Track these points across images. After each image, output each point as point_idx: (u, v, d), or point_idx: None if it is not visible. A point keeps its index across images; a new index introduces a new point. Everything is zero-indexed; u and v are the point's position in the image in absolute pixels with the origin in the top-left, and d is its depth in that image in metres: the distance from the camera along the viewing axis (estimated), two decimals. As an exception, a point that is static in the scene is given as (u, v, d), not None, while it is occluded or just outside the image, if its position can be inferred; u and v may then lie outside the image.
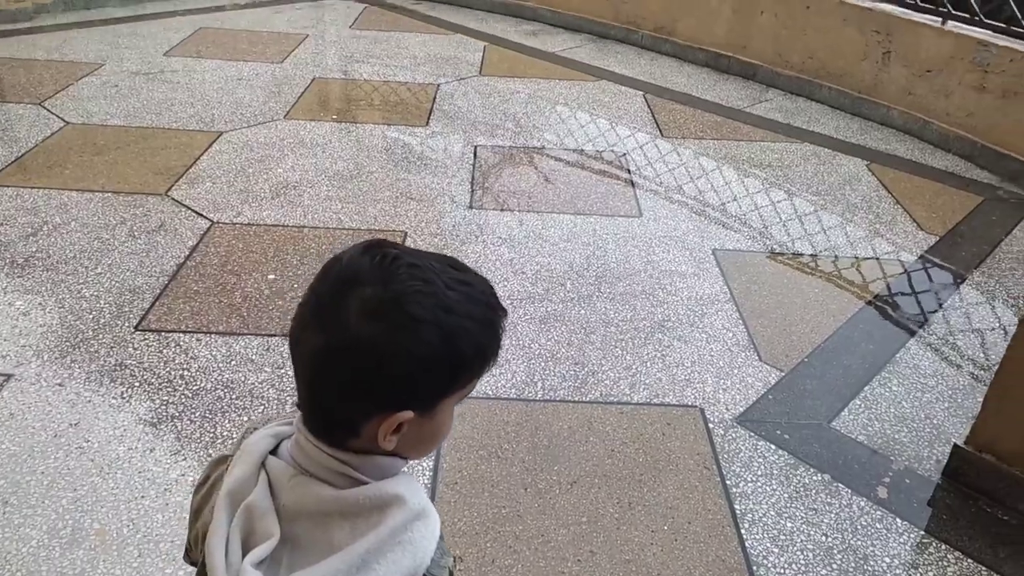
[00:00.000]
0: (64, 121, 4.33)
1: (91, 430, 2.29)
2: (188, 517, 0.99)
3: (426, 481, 2.20)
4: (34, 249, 3.13)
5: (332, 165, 4.01)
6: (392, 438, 0.78)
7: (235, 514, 0.81)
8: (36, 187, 3.59)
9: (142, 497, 2.09)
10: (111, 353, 2.60)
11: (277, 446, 0.85)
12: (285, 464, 0.82)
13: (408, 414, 0.77)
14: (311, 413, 0.81)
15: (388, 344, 0.74)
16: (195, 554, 0.99)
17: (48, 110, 4.46)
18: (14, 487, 2.09)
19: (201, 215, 3.46)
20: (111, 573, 1.88)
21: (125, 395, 2.43)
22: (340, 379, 0.76)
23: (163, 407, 2.39)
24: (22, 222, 3.31)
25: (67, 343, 2.64)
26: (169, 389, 2.47)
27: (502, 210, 3.71)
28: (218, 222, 3.41)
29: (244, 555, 0.79)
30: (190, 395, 2.45)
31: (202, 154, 4.02)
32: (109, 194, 3.58)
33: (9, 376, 2.47)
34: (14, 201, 3.47)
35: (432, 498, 2.15)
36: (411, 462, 2.04)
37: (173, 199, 3.57)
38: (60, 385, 2.46)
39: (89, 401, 2.40)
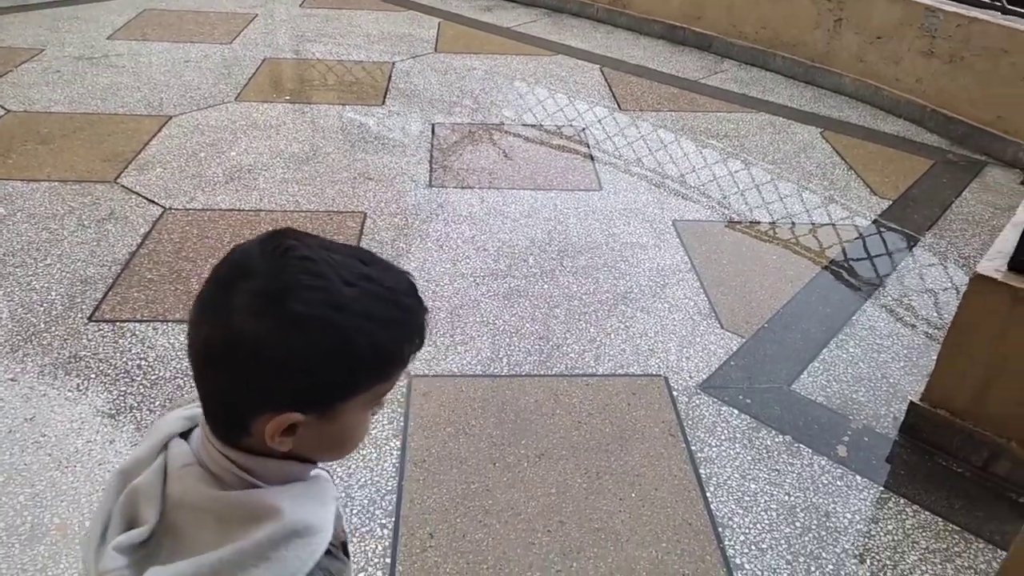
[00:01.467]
0: (4, 109, 4.18)
1: (47, 424, 2.24)
2: None
3: (394, 461, 2.19)
4: (-22, 242, 3.03)
5: (287, 147, 3.94)
6: (284, 439, 0.74)
7: (121, 493, 0.78)
8: (-22, 178, 3.47)
9: (103, 489, 2.04)
10: (65, 345, 2.54)
11: (191, 430, 0.81)
12: (186, 450, 0.78)
13: (297, 416, 0.73)
14: (204, 407, 0.77)
15: (271, 341, 0.70)
16: None
17: (-13, 98, 4.30)
18: (-32, 485, 2.04)
19: (153, 202, 3.37)
20: (75, 567, 1.84)
21: (81, 387, 2.38)
22: (224, 373, 0.73)
23: (121, 398, 2.35)
24: (-36, 214, 3.20)
25: (18, 337, 2.56)
26: (127, 379, 2.42)
27: (462, 188, 3.68)
28: (171, 208, 3.34)
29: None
30: (148, 385, 2.40)
31: (151, 139, 3.91)
32: (56, 183, 3.47)
33: (-42, 373, 2.40)
34: (-45, 193, 3.35)
35: (400, 477, 2.14)
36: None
37: (123, 186, 3.48)
38: (13, 380, 2.39)
39: (44, 395, 2.34)
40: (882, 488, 2.20)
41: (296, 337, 0.70)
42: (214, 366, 0.73)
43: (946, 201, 3.79)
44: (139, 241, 3.09)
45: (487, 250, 3.20)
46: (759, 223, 3.53)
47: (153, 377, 2.43)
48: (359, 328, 0.72)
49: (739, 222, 3.53)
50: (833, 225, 3.54)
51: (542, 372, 2.57)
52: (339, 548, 0.81)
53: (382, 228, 3.30)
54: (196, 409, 0.82)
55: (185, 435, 0.81)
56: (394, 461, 2.20)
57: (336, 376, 0.73)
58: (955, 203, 3.78)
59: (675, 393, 2.50)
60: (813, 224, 3.54)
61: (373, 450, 2.22)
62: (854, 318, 2.91)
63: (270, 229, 0.76)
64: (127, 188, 3.47)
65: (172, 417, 0.81)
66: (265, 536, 0.71)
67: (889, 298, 3.05)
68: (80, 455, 2.14)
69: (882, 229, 3.53)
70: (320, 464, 0.83)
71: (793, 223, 3.54)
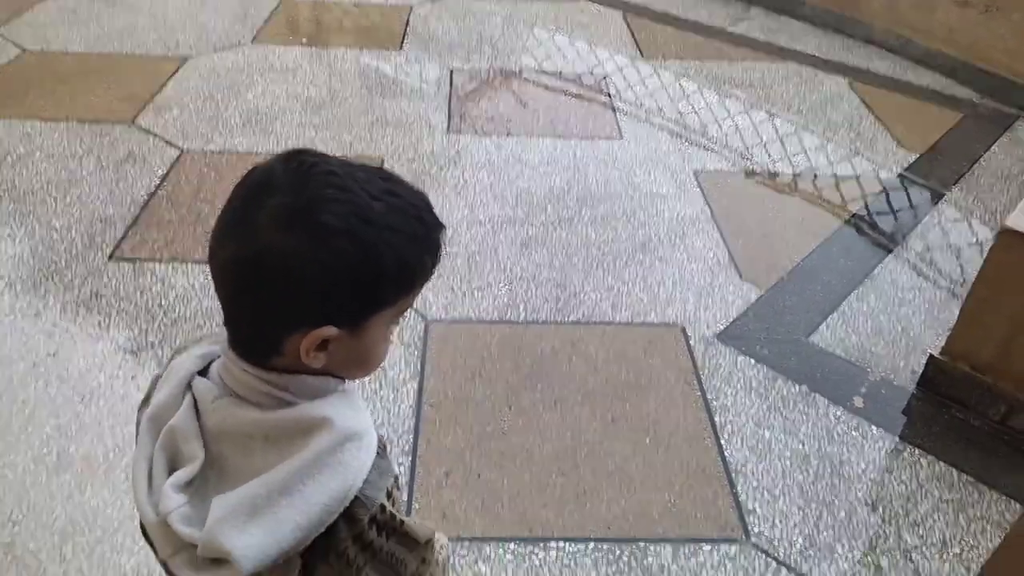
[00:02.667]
0: (21, 48, 4.15)
1: (70, 359, 2.27)
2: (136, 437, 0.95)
3: (411, 403, 2.21)
4: (-1, 180, 3.04)
5: (304, 91, 3.90)
6: (318, 355, 0.75)
7: (158, 436, 0.78)
8: (-3, 117, 3.47)
9: (127, 423, 2.08)
10: (85, 283, 2.56)
11: (207, 367, 0.82)
12: (211, 385, 0.79)
13: (331, 330, 0.73)
14: (233, 331, 0.77)
15: (300, 255, 0.69)
16: None
17: (3, 37, 4.27)
18: (-5, 416, 2.08)
19: (170, 143, 3.36)
20: (99, 496, 1.89)
21: (102, 324, 2.41)
22: (255, 293, 0.72)
23: (142, 335, 2.37)
24: (-15, 153, 3.21)
25: (40, 274, 2.59)
26: (147, 318, 2.44)
27: (481, 135, 3.64)
28: (188, 150, 3.33)
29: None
30: (169, 323, 2.42)
31: (168, 80, 3.88)
32: (74, 123, 3.46)
33: (-18, 308, 2.43)
34: (-26, 132, 3.36)
35: (417, 418, 2.17)
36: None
37: (140, 127, 3.47)
38: (36, 316, 2.42)
39: (66, 331, 2.37)
40: (897, 439, 2.20)
41: (325, 250, 0.70)
42: (243, 286, 0.73)
43: (975, 155, 3.71)
44: (157, 182, 3.09)
45: (505, 197, 3.18)
46: (782, 174, 3.47)
47: (173, 316, 2.45)
48: (386, 241, 0.72)
49: (762, 173, 3.47)
50: (857, 178, 3.48)
51: (559, 319, 2.57)
52: (382, 449, 0.83)
53: (400, 174, 3.26)
54: (207, 347, 0.83)
55: (202, 372, 0.81)
56: (411, 403, 2.22)
57: (365, 289, 0.73)
58: (984, 157, 3.69)
59: (692, 342, 2.49)
60: (837, 176, 3.48)
61: (390, 392, 2.24)
62: (876, 271, 2.87)
63: (288, 149, 0.75)
64: (145, 129, 3.45)
65: (186, 358, 0.82)
66: (321, 445, 0.73)
67: (912, 252, 3.01)
68: (103, 390, 2.18)
69: (907, 183, 3.47)
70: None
71: (816, 175, 3.48)
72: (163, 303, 2.50)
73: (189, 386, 0.80)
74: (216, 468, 0.76)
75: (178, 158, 3.26)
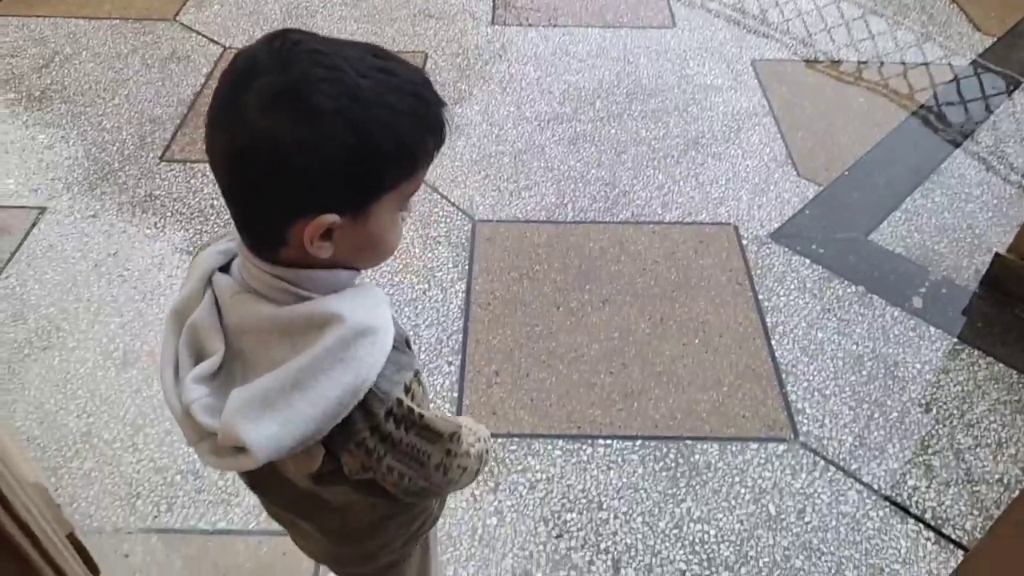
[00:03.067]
0: (59, -57, 4.07)
1: (129, 259, 2.33)
2: None
3: (459, 303, 2.23)
4: (49, 81, 3.05)
5: (345, -18, 3.77)
6: (323, 244, 0.73)
7: (181, 331, 0.80)
8: (41, 16, 3.44)
9: (163, 332, 2.15)
10: (140, 184, 2.60)
11: (230, 263, 0.82)
12: (230, 281, 0.79)
13: (332, 218, 0.71)
14: (239, 225, 0.76)
15: (290, 139, 0.67)
16: None
17: (41, -68, 4.19)
18: (63, 314, 2.17)
19: (213, 40, 3.31)
20: (165, 390, 1.98)
21: (159, 225, 2.45)
22: (250, 183, 0.71)
23: (197, 236, 2.42)
24: (33, 53, 3.21)
25: (95, 175, 2.63)
26: (201, 219, 2.48)
27: (526, 26, 3.50)
28: (230, 47, 3.27)
29: None
30: (223, 224, 2.46)
31: (208, -26, 3.79)
32: (117, 21, 3.43)
33: (43, 209, 2.49)
34: (20, 32, 3.35)
35: (466, 318, 2.19)
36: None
37: (183, 24, 3.42)
38: (94, 217, 2.48)
39: (124, 231, 2.42)
40: (956, 339, 2.15)
41: (315, 132, 0.68)
42: (239, 175, 0.72)
43: (1059, 39, 3.44)
44: (203, 81, 3.07)
45: (552, 92, 3.08)
46: (846, 63, 3.28)
47: (226, 217, 2.48)
48: (379, 120, 0.70)
49: (824, 62, 3.29)
50: (927, 65, 3.27)
51: (608, 219, 2.53)
52: (403, 343, 0.83)
53: (444, 69, 3.19)
54: (228, 244, 0.82)
55: (223, 269, 0.82)
56: (459, 303, 2.24)
57: (362, 171, 0.71)
58: (1069, 41, 3.43)
59: (744, 242, 2.44)
60: (905, 64, 3.27)
61: (439, 292, 2.26)
62: (943, 166, 2.74)
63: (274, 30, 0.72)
64: (187, 26, 3.40)
65: (208, 253, 0.82)
66: (334, 340, 0.73)
67: (983, 145, 2.85)
68: (163, 288, 2.24)
69: (981, 70, 3.25)
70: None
71: (883, 63, 3.28)
72: (215, 204, 2.53)
73: (210, 281, 0.80)
74: (240, 361, 0.78)
75: (221, 56, 3.22)
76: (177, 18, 3.45)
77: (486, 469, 1.02)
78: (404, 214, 0.80)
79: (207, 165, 2.61)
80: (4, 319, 2.15)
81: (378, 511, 0.96)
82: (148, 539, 1.69)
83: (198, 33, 3.36)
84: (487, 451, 1.00)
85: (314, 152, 0.68)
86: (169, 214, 2.49)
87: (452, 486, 0.93)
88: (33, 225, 2.43)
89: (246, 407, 0.73)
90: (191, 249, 2.37)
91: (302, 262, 0.75)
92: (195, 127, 2.84)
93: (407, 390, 0.80)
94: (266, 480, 0.90)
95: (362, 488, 0.86)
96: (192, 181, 2.61)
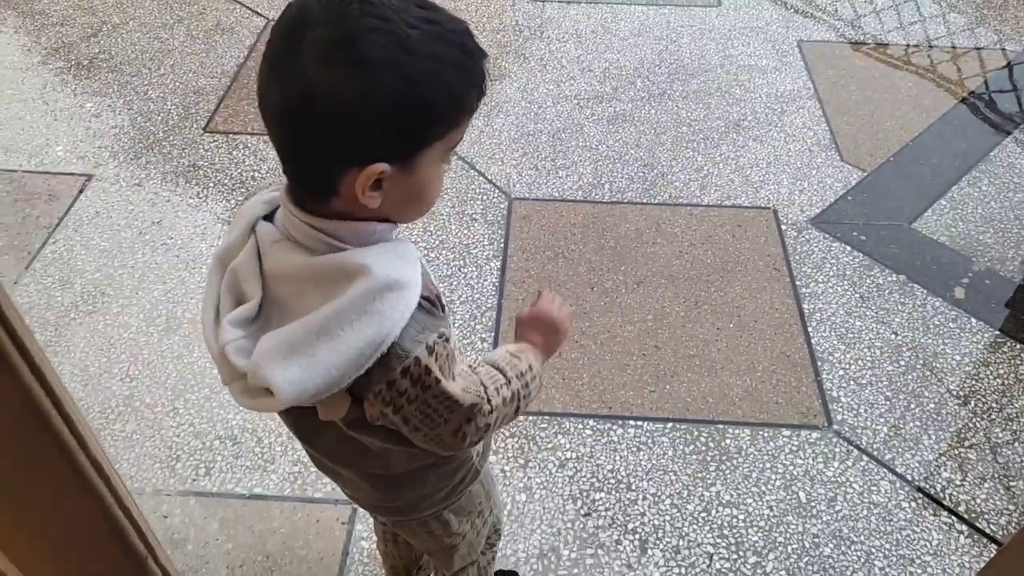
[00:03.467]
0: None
1: (173, 227, 2.38)
2: None
3: (494, 280, 2.24)
4: (97, 50, 3.11)
5: (387, -45, 3.76)
6: (373, 195, 0.75)
7: (223, 276, 0.83)
8: (89, -14, 3.50)
9: (207, 276, 2.19)
10: (183, 154, 2.64)
11: (273, 212, 0.84)
12: (272, 229, 0.81)
13: (384, 166, 0.73)
14: (291, 176, 0.78)
15: (346, 90, 0.69)
16: None
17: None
18: (109, 279, 2.22)
19: (256, 12, 3.34)
20: (206, 356, 2.02)
21: (201, 195, 2.50)
22: (305, 133, 0.73)
23: (239, 206, 2.45)
24: (81, 22, 3.26)
25: (140, 144, 2.68)
26: (242, 190, 2.51)
27: (568, 3, 3.46)
28: (274, 20, 3.29)
29: None
30: (262, 195, 2.49)
31: (252, -54, 3.81)
32: (162, -8, 3.47)
33: (90, 176, 2.55)
34: (70, 1, 3.40)
35: (500, 295, 2.20)
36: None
37: (227, -4, 3.45)
38: (139, 185, 2.53)
39: (168, 200, 2.47)
40: (998, 332, 2.11)
41: (370, 82, 0.69)
42: (294, 125, 0.73)
43: (1122, 25, 3.31)
44: (246, 53, 3.10)
45: (592, 71, 3.06)
46: (894, 46, 3.20)
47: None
48: (428, 70, 0.71)
49: (872, 44, 3.21)
50: (979, 50, 3.17)
51: (645, 200, 2.52)
52: (434, 303, 0.84)
53: (483, 45, 3.17)
54: (274, 193, 0.85)
55: (267, 218, 0.84)
56: (494, 280, 2.25)
57: (413, 121, 0.73)
58: None
59: (783, 227, 2.41)
60: (956, 49, 3.18)
61: (474, 269, 2.28)
62: (992, 154, 2.67)
63: None
64: (230, -2, 3.43)
65: (253, 202, 0.85)
66: (359, 291, 0.75)
67: (1035, 134, 2.77)
68: (205, 257, 2.29)
69: (1038, 56, 3.15)
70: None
71: (932, 47, 3.19)
72: (256, 176, 2.56)
73: (254, 229, 0.82)
74: (276, 307, 0.80)
75: (264, 27, 3.24)
76: (221, -10, 3.48)
77: (525, 409, 1.01)
78: (446, 165, 0.82)
79: (249, 137, 2.65)
80: (52, 283, 2.21)
81: (416, 460, 0.98)
82: (186, 502, 1.74)
83: (242, 5, 3.38)
84: (529, 384, 0.98)
85: (367, 103, 0.70)
86: (212, 184, 2.53)
87: (480, 438, 0.93)
88: (80, 192, 2.49)
89: (273, 351, 0.75)
90: (231, 220, 2.40)
91: (348, 213, 0.77)
92: (238, 99, 2.87)
93: (431, 351, 0.80)
94: (309, 427, 0.94)
95: (392, 437, 0.88)
96: (234, 152, 2.65)
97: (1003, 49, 3.18)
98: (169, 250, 2.31)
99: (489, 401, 0.90)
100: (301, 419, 0.91)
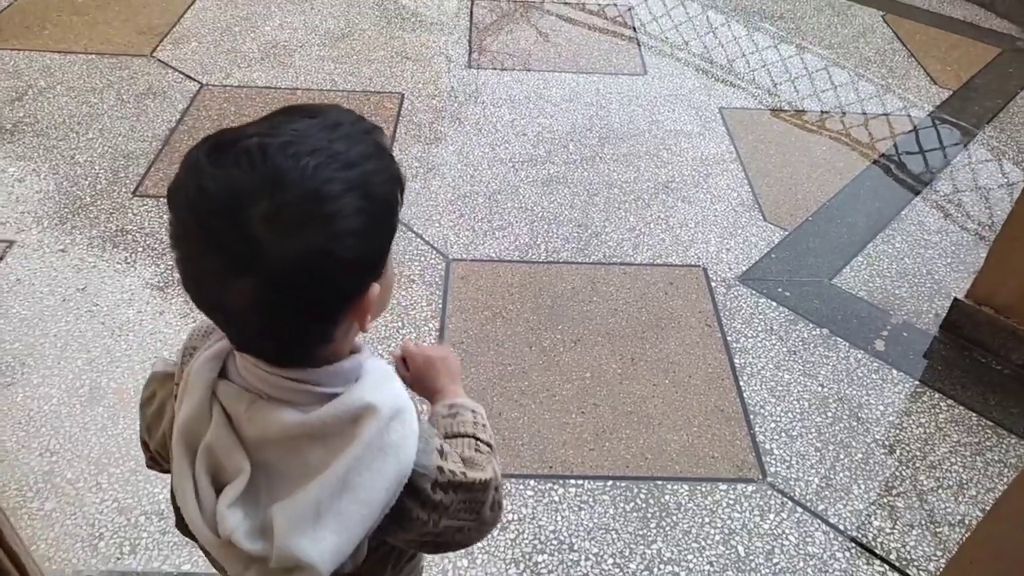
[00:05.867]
0: (37, -22, 4.08)
1: (99, 294, 2.31)
2: (140, 433, 0.92)
3: (432, 341, 2.24)
4: (21, 114, 3.04)
5: (322, 23, 3.83)
6: (367, 319, 0.73)
7: (195, 457, 0.74)
8: (15, 49, 3.44)
9: (156, 358, 2.13)
10: (111, 219, 2.58)
11: (223, 367, 0.76)
12: (237, 389, 0.73)
13: (375, 287, 0.70)
14: (263, 349, 0.71)
15: (331, 240, 0.63)
16: (164, 464, 0.92)
17: (18, -34, 4.20)
18: (29, 349, 2.13)
19: (189, 77, 3.33)
20: (132, 428, 1.95)
21: (129, 260, 2.44)
22: (301, 309, 0.66)
23: (169, 271, 2.40)
24: (5, 86, 3.20)
25: (66, 209, 2.61)
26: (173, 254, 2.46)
27: (501, 69, 3.57)
28: (207, 84, 3.30)
29: (217, 495, 0.73)
30: (194, 260, 2.45)
31: (185, 12, 3.82)
32: (93, 56, 3.43)
33: (11, 243, 2.46)
34: (-6, 64, 3.34)
35: (439, 356, 2.19)
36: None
37: (159, 60, 3.43)
38: (63, 251, 2.45)
39: (94, 266, 2.40)
40: (918, 382, 2.21)
41: (346, 219, 0.65)
42: (276, 308, 0.66)
43: (1010, 92, 3.59)
44: (178, 117, 3.08)
45: (526, 135, 3.14)
46: (810, 112, 3.40)
47: (198, 253, 2.47)
48: (373, 172, 0.68)
49: (789, 111, 3.40)
50: (887, 116, 3.39)
51: (580, 259, 2.57)
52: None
53: (420, 110, 3.24)
54: (218, 344, 0.77)
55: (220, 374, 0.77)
56: (432, 341, 2.24)
57: (386, 229, 0.71)
58: (1020, 94, 3.58)
59: (713, 284, 2.49)
60: (866, 114, 3.40)
61: (412, 330, 2.27)
62: (903, 213, 2.83)
63: (196, 148, 0.66)
64: (163, 62, 3.42)
65: (201, 364, 0.76)
66: (371, 432, 0.71)
67: (940, 194, 2.95)
68: (132, 324, 2.22)
69: (939, 122, 3.38)
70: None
71: (845, 113, 3.40)
72: (187, 240, 2.52)
73: (213, 394, 0.74)
74: (264, 474, 0.73)
75: (197, 92, 3.24)
76: (154, 54, 3.47)
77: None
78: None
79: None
80: (-34, 354, 2.11)
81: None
82: (110, 582, 1.65)
83: (174, 69, 3.37)
84: (481, 422, 0.97)
85: (356, 238, 0.65)
86: (140, 249, 2.48)
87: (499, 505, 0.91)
88: (0, 259, 2.40)
89: (299, 523, 0.69)
90: (161, 284, 2.35)
91: (333, 355, 0.73)
92: (170, 163, 2.84)
93: (442, 454, 0.79)
94: None
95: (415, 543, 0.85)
96: (165, 216, 2.57)
97: (909, 115, 3.40)
98: (94, 317, 2.24)
99: (497, 467, 0.89)
100: None
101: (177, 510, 0.81)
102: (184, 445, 0.75)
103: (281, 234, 0.62)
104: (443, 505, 0.79)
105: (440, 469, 0.78)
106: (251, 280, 0.63)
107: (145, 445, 0.93)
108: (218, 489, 0.73)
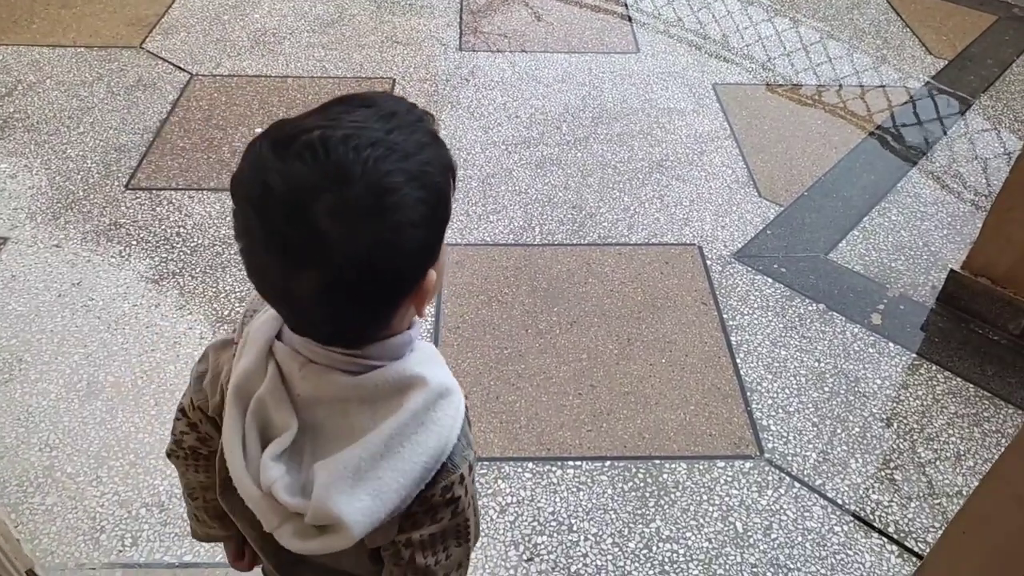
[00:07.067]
0: (23, -29, 4.05)
1: (94, 289, 2.31)
2: (180, 409, 0.94)
3: (428, 327, 2.24)
4: (12, 110, 3.03)
5: (311, 9, 3.80)
6: (424, 304, 0.74)
7: (247, 408, 0.76)
8: (3, 44, 3.42)
9: (152, 350, 2.14)
10: (104, 213, 2.58)
11: (280, 329, 0.78)
12: (292, 351, 0.75)
13: (432, 275, 0.71)
14: (323, 334, 0.73)
15: (394, 231, 0.65)
16: (180, 449, 0.96)
17: (4, -40, 4.16)
18: (26, 345, 2.14)
19: (179, 68, 3.31)
20: (130, 421, 1.96)
21: (124, 254, 2.43)
22: (363, 297, 0.68)
23: (163, 264, 2.40)
24: (-6, 82, 3.18)
25: (59, 204, 2.61)
26: (167, 247, 2.46)
27: (493, 52, 3.54)
28: (197, 75, 3.28)
29: (263, 448, 0.75)
30: (189, 251, 2.45)
31: (173, 2, 3.79)
32: (82, 49, 3.41)
33: (5, 239, 2.46)
34: (-17, 60, 3.32)
35: (435, 343, 2.19)
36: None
37: (148, 52, 3.41)
38: (57, 246, 2.45)
39: (88, 261, 2.40)
40: (915, 355, 2.20)
41: (407, 210, 0.66)
42: (347, 299, 0.68)
43: (1006, 61, 3.56)
44: (169, 108, 3.07)
45: (519, 117, 3.12)
46: (805, 86, 3.37)
47: (192, 244, 2.47)
48: (429, 160, 0.69)
49: (784, 85, 3.37)
50: (883, 87, 3.37)
51: (575, 241, 2.56)
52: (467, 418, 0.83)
53: (412, 95, 3.22)
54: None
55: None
56: (428, 327, 2.24)
57: (441, 218, 0.71)
58: (1016, 63, 3.55)
59: (709, 262, 2.48)
60: (862, 87, 3.37)
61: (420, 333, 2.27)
62: (899, 185, 2.82)
63: (256, 143, 0.67)
64: (153, 54, 3.40)
65: (262, 322, 0.78)
66: (417, 403, 0.72)
67: (937, 165, 2.93)
68: (128, 318, 2.22)
69: (935, 92, 3.35)
70: None
71: (840, 86, 3.37)
72: (181, 232, 2.52)
73: (270, 352, 0.76)
74: (310, 434, 0.75)
75: (188, 83, 3.22)
76: (143, 46, 3.45)
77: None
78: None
79: (173, 192, 2.62)
80: (-36, 352, 2.12)
81: None
82: (112, 574, 1.66)
83: (164, 60, 3.36)
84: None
85: (415, 228, 0.67)
86: (134, 242, 2.47)
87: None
88: (-6, 255, 2.41)
89: (338, 480, 0.71)
90: (156, 277, 2.35)
91: (389, 334, 0.74)
92: (162, 155, 2.83)
93: (471, 469, 0.79)
94: (296, 559, 0.87)
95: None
96: (158, 209, 2.60)
97: (905, 86, 3.37)
98: (90, 312, 2.24)
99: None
100: (301, 562, 0.80)
101: (222, 472, 0.83)
102: (237, 396, 0.77)
103: (346, 227, 0.63)
104: (447, 511, 0.79)
105: (462, 478, 0.78)
106: (316, 272, 0.65)
107: (185, 419, 0.94)
108: (264, 443, 0.75)
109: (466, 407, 0.81)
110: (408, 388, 0.73)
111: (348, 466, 0.71)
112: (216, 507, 0.96)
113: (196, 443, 0.95)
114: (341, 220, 0.63)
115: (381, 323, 0.73)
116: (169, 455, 0.99)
